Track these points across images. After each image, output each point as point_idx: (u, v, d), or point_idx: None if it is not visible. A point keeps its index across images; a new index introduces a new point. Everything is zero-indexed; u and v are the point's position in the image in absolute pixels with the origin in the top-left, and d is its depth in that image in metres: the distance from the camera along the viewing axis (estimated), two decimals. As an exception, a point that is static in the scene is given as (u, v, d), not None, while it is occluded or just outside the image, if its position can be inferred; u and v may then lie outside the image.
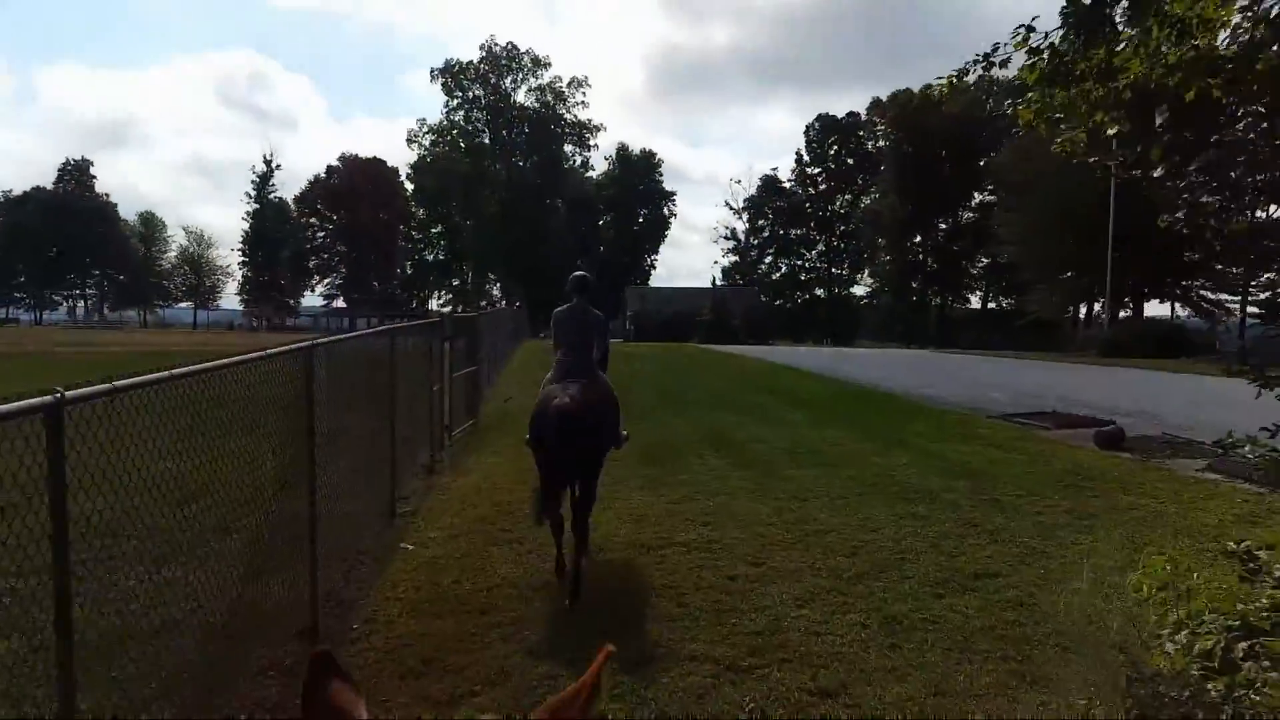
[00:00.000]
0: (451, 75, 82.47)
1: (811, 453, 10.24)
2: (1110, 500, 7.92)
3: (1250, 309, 48.99)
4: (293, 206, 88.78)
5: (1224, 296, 47.51)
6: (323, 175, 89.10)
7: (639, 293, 70.36)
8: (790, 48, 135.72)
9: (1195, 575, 5.49)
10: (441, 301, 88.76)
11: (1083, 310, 52.67)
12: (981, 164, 71.10)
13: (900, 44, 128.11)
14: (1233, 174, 41.35)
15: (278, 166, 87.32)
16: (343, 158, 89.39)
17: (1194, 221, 41.61)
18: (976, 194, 74.31)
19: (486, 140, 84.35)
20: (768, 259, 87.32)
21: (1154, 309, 50.43)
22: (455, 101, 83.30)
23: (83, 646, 2.93)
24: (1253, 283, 44.23)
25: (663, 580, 5.81)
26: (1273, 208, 47.92)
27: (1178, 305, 48.90)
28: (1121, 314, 46.53)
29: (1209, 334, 41.41)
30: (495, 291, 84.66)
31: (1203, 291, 47.87)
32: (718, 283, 77.03)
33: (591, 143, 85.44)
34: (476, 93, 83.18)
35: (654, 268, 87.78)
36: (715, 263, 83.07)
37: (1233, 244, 41.11)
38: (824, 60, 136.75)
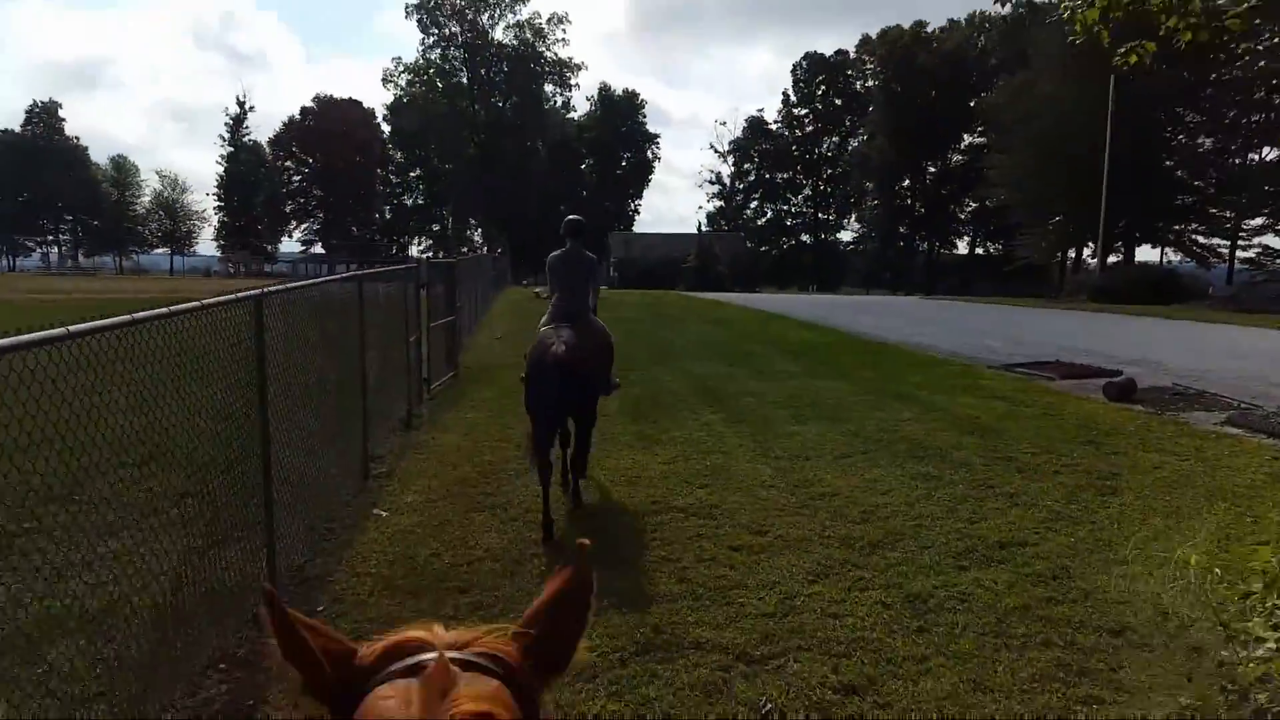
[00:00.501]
0: (427, 11, 79.49)
1: (810, 406, 9.73)
2: (1132, 459, 7.47)
3: (1240, 254, 48.90)
4: (267, 149, 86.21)
5: (1215, 241, 47.20)
6: (297, 117, 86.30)
7: (623, 239, 69.17)
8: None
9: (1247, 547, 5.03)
10: (422, 248, 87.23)
11: (1071, 255, 52.18)
12: (971, 105, 69.93)
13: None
14: (1228, 115, 40.66)
15: (251, 108, 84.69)
16: (317, 99, 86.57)
17: (1192, 162, 40.99)
18: (966, 136, 73.19)
19: (464, 80, 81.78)
20: (753, 204, 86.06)
21: (1144, 254, 50.20)
22: (431, 39, 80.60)
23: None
24: (1242, 228, 43.96)
25: (661, 551, 5.30)
26: (1266, 150, 47.41)
27: (1169, 250, 48.53)
28: (1111, 259, 46.18)
29: (1201, 279, 41.08)
30: (476, 237, 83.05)
31: (1194, 236, 47.50)
32: (703, 228, 75.75)
33: (573, 82, 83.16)
34: (453, 29, 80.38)
35: (638, 213, 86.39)
36: (700, 208, 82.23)
37: (1231, 186, 40.64)
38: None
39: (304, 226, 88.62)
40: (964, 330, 20.28)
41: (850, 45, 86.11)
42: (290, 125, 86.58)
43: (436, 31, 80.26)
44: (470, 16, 79.81)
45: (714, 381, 11.58)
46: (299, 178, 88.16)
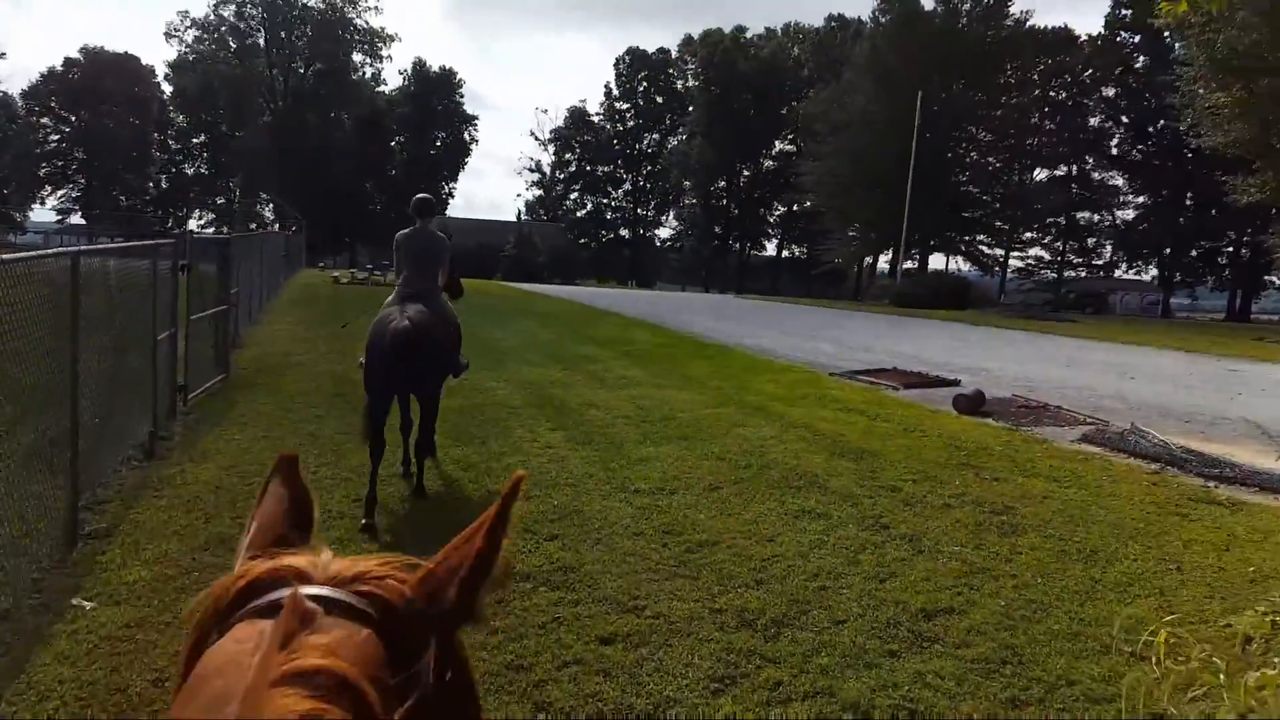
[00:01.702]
0: (220, -39, 71.52)
1: (663, 421, 8.54)
2: (1017, 486, 6.85)
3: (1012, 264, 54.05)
4: (20, 103, 74.22)
5: (998, 251, 51.72)
6: (59, 69, 74.87)
7: (438, 223, 64.96)
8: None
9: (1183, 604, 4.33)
10: (203, 222, 78.67)
11: (869, 262, 55.36)
12: (784, 112, 72.66)
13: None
14: (1012, 136, 44.42)
15: (3, 55, 72.37)
16: (85, 50, 75.55)
17: (982, 177, 44.39)
18: (778, 143, 76.02)
19: (261, 41, 74.42)
20: (573, 195, 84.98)
21: (934, 262, 54.16)
22: (225, -7, 72.55)
23: None
24: (1017, 240, 48.37)
25: (508, 653, 3.81)
26: (1038, 171, 52.60)
27: (959, 259, 52.67)
28: (903, 266, 49.33)
29: (987, 287, 44.58)
30: (268, 213, 75.91)
31: (980, 246, 51.78)
32: (522, 217, 73.70)
33: (384, 53, 78.20)
34: (251, -16, 72.85)
35: (453, 196, 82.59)
36: (519, 195, 79.64)
37: (1009, 201, 44.42)
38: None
39: (60, 193, 77.30)
40: (793, 331, 20.09)
41: (672, 44, 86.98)
42: (49, 77, 74.90)
43: (231, -16, 72.42)
44: (271, -28, 72.66)
45: (550, 390, 10.13)
46: (57, 137, 76.77)
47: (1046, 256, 56.23)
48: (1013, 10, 49.74)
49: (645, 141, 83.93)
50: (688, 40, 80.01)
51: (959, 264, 52.51)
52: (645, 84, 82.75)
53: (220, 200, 78.87)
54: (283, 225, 67.70)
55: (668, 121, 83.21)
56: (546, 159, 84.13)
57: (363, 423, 5.80)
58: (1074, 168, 53.77)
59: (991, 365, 14.62)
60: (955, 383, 11.98)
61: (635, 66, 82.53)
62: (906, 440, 8.35)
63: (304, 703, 0.54)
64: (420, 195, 6.49)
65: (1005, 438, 8.68)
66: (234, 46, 73.34)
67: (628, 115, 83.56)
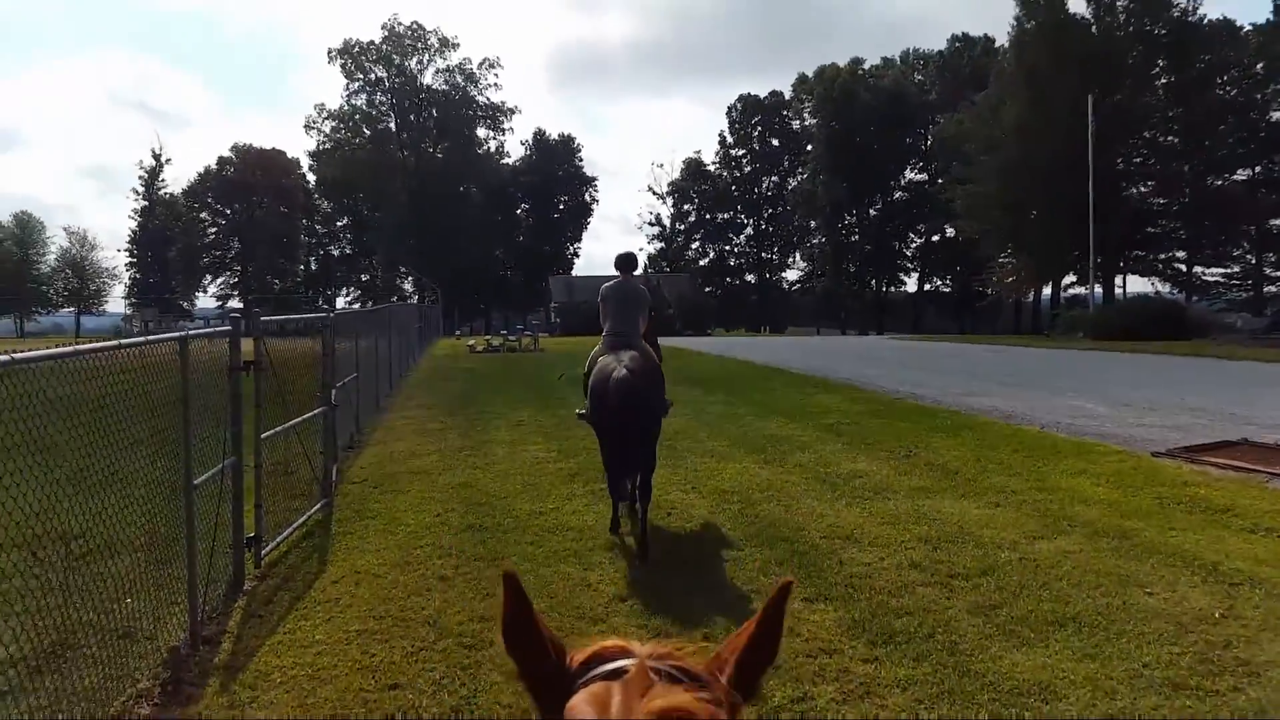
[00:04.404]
0: (351, 56, 75.08)
1: (985, 576, 5.18)
2: None
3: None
4: (182, 200, 79.90)
5: (1197, 269, 45.03)
6: (214, 167, 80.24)
7: (564, 282, 64.53)
8: (688, 38, 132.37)
9: None
10: (350, 299, 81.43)
11: (1044, 290, 49.39)
12: (909, 140, 68.21)
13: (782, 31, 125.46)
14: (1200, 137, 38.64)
15: (168, 160, 78.43)
16: (235, 148, 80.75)
17: (1168, 187, 38.69)
18: (909, 172, 71.43)
19: (392, 126, 77.17)
20: (695, 244, 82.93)
21: (1134, 286, 47.67)
22: (356, 84, 76.02)
23: None
24: (1227, 255, 41.78)
25: None
26: (1215, 177, 45.68)
27: (1154, 279, 45.97)
28: (1091, 291, 43.46)
29: (1206, 310, 37.99)
30: (407, 286, 77.67)
31: (1176, 264, 45.28)
32: (647, 270, 72.01)
33: (506, 126, 79.46)
34: (379, 74, 76.01)
35: (577, 256, 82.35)
36: (641, 249, 77.79)
37: (1207, 210, 38.37)
38: (724, 50, 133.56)
39: (220, 280, 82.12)
40: (1010, 383, 16.11)
41: (783, 88, 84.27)
42: (206, 175, 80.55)
43: (361, 77, 75.91)
44: (398, 61, 75.62)
45: (762, 505, 7.14)
46: (215, 230, 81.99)
47: (1231, 271, 48.82)
48: (1178, 1, 44.12)
49: (764, 185, 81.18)
50: (802, 79, 77.26)
51: (1155, 285, 45.91)
52: (760, 128, 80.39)
53: (365, 277, 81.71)
54: (422, 297, 68.89)
55: (785, 163, 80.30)
56: (666, 212, 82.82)
57: (605, 473, 6.24)
58: (1255, 169, 46.71)
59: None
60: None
61: (748, 112, 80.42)
62: None
63: None
64: (623, 252, 6.92)
65: None
66: (368, 133, 76.37)
67: (744, 160, 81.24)
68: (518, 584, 0.79)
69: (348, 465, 9.20)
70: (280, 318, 7.39)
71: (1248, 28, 46.18)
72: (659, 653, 0.78)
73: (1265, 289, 48.27)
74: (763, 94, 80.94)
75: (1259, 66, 44.84)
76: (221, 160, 79.99)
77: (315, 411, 6.95)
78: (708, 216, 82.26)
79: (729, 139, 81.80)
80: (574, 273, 73.73)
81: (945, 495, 7.28)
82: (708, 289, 77.51)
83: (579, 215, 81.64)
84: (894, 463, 8.69)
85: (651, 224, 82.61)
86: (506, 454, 9.58)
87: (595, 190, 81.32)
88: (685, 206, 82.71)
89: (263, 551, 5.40)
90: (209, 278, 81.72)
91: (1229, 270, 46.01)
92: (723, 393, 14.75)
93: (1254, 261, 47.43)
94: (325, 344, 7.28)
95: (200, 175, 79.80)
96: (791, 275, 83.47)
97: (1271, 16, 45.32)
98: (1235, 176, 45.14)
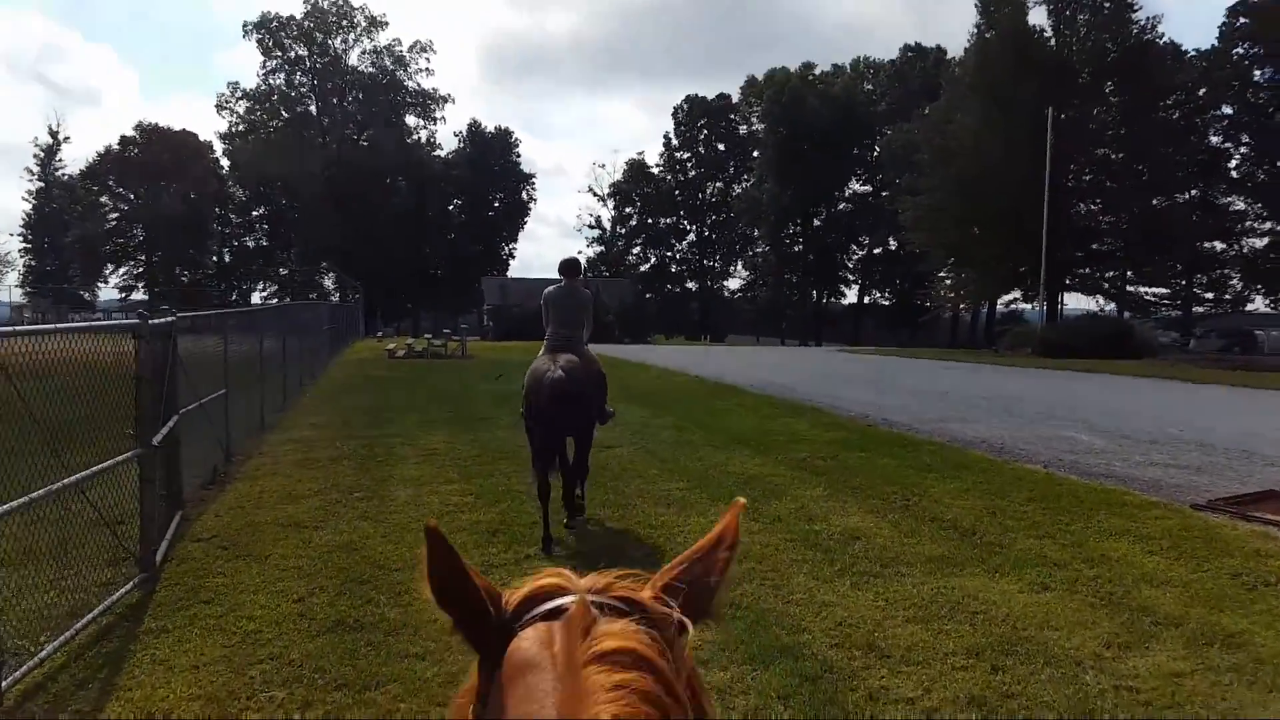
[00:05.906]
0: (269, 30, 70.53)
1: None
2: None
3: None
4: (80, 183, 74.18)
5: (1142, 289, 45.36)
6: (115, 147, 74.58)
7: (498, 284, 61.78)
8: (630, 38, 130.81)
9: None
10: (266, 294, 76.89)
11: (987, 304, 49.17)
12: (854, 152, 67.84)
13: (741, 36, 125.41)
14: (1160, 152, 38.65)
15: (67, 139, 72.58)
16: (140, 127, 75.24)
17: (1114, 205, 38.63)
18: (854, 183, 71.15)
19: (313, 109, 73.09)
20: (635, 249, 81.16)
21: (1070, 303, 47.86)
22: (274, 62, 71.54)
23: None
24: (1170, 275, 42.00)
25: None
26: (1157, 198, 46.39)
27: (1098, 298, 46.05)
28: (1036, 308, 43.21)
29: (1148, 329, 37.89)
30: (328, 283, 73.68)
31: (1120, 283, 45.48)
32: (588, 275, 69.86)
33: (438, 115, 75.96)
34: (300, 52, 71.68)
35: (513, 258, 79.55)
36: (580, 252, 75.58)
37: (1150, 230, 38.48)
38: (666, 50, 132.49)
39: (123, 270, 76.53)
40: (1000, 410, 14.50)
41: (730, 90, 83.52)
42: (107, 156, 74.57)
43: (280, 54, 71.37)
44: (320, 39, 71.45)
45: (751, 598, 5.30)
46: (117, 215, 76.29)
47: (1166, 291, 49.89)
48: (1137, 17, 44.41)
49: (709, 190, 79.86)
50: (751, 81, 76.18)
51: (1099, 303, 45.99)
52: (706, 131, 79.13)
53: (284, 271, 77.17)
54: (344, 294, 65.26)
55: (731, 169, 79.21)
56: (606, 214, 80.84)
57: (532, 473, 6.26)
58: (1190, 193, 47.69)
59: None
60: None
61: (695, 114, 78.99)
62: None
63: (614, 675, 0.64)
64: (566, 257, 6.91)
65: None
66: (286, 116, 72.15)
67: (689, 164, 79.81)
68: (442, 536, 0.74)
69: (200, 512, 7.05)
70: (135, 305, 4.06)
71: (1192, 53, 47.16)
72: (599, 585, 0.76)
73: (1193, 309, 49.34)
74: (710, 95, 79.67)
75: (1201, 92, 45.60)
76: (124, 140, 74.23)
77: (113, 460, 4.72)
78: (649, 221, 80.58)
79: (674, 141, 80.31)
80: (509, 274, 71.10)
81: (972, 569, 5.54)
82: (648, 295, 75.87)
83: (515, 214, 78.83)
84: (892, 517, 6.97)
85: (591, 226, 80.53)
86: (410, 498, 7.55)
87: (533, 188, 78.66)
88: (627, 209, 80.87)
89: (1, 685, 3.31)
90: (110, 267, 76.09)
91: (1166, 290, 46.65)
92: (672, 415, 12.85)
93: (1184, 283, 48.42)
94: (142, 359, 5.17)
95: (100, 155, 74.02)
96: (733, 284, 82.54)
97: (1216, 43, 46.22)
98: (1176, 198, 45.78)
